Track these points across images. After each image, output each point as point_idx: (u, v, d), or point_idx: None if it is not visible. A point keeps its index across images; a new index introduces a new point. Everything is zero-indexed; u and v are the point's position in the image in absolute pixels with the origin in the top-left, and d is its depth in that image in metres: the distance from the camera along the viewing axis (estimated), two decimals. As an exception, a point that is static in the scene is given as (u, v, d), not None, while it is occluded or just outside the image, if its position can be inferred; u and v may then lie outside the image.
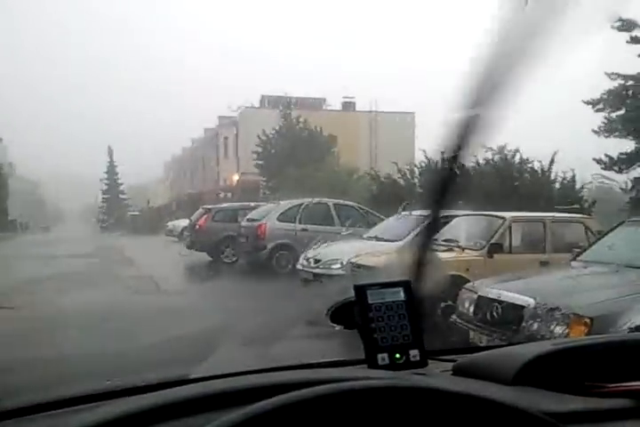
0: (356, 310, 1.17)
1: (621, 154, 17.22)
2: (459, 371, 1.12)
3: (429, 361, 1.19)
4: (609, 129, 17.29)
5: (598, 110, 17.25)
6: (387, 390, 0.69)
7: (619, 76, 16.86)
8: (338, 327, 1.25)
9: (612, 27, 15.51)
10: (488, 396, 0.72)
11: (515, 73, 1.02)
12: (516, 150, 16.70)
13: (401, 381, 0.81)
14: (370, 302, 1.16)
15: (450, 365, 1.17)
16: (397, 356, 1.15)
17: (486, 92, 1.06)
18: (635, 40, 16.13)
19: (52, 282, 11.09)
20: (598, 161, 17.44)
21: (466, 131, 1.11)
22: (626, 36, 16.14)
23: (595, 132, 17.48)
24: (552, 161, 16.16)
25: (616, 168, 17.36)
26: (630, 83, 16.66)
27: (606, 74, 16.84)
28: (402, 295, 1.18)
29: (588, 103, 17.34)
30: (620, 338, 1.26)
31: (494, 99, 1.06)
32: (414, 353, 1.16)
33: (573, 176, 16.12)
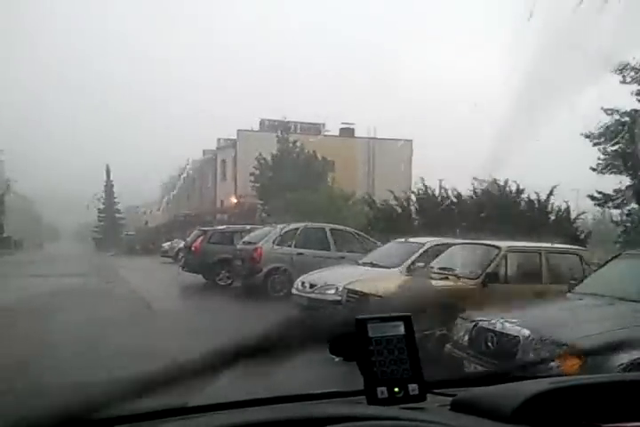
0: (356, 343, 1.19)
1: (615, 191, 17.53)
2: (457, 406, 1.13)
3: (428, 395, 1.19)
4: (606, 165, 17.60)
5: (596, 144, 17.57)
6: None
7: (615, 111, 17.21)
8: (337, 359, 1.25)
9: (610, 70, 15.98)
10: None
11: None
12: (507, 180, 16.95)
13: (404, 422, 0.81)
14: (370, 335, 1.18)
15: (448, 399, 1.18)
16: (396, 390, 1.15)
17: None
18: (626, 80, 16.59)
19: (41, 302, 10.91)
20: (592, 197, 17.78)
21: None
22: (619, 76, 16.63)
23: (593, 169, 17.81)
24: (550, 193, 16.47)
25: (610, 204, 17.65)
26: (626, 119, 16.98)
27: (603, 110, 17.19)
28: (402, 330, 1.20)
29: (586, 137, 17.65)
30: (616, 378, 1.27)
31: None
32: (413, 387, 1.17)
33: (568, 208, 16.42)
